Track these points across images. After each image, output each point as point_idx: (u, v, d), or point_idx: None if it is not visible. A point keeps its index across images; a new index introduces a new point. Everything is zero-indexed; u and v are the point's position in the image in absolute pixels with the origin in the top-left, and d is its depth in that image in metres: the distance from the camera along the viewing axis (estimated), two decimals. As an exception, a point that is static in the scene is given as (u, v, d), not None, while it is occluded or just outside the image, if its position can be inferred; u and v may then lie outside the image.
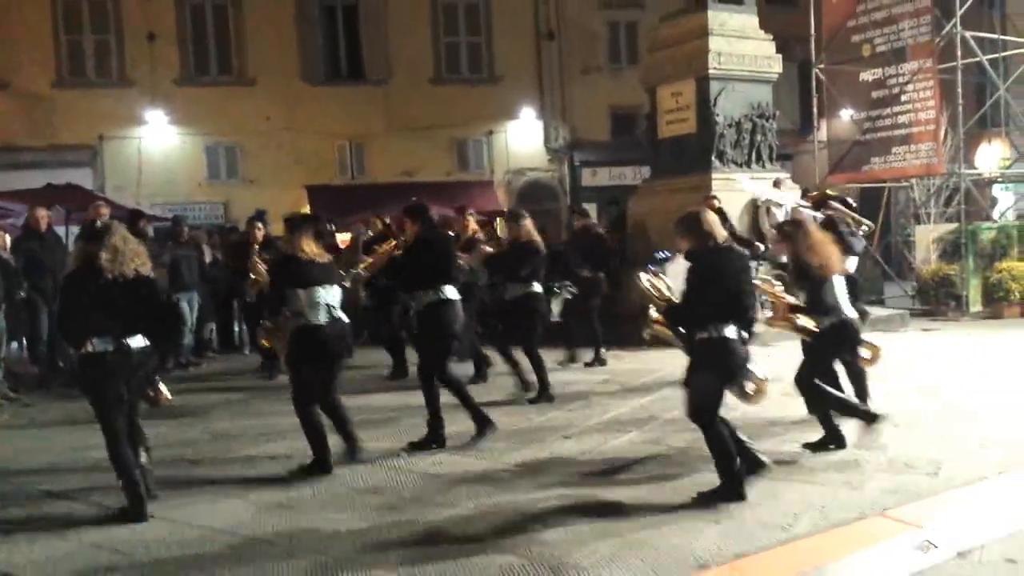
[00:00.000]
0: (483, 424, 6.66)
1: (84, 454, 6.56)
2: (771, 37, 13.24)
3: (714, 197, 11.42)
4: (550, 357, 10.01)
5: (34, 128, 20.04)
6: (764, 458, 5.20)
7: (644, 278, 5.83)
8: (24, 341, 10.85)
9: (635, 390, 8.61)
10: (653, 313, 5.74)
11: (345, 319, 6.01)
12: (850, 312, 6.16)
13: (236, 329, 13.13)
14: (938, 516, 4.71)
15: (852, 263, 7.85)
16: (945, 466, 5.60)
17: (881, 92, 15.49)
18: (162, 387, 5.39)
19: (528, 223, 8.55)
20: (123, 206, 14.41)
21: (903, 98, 15.05)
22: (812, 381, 6.01)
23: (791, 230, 6.29)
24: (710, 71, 12.51)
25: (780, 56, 13.23)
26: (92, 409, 5.16)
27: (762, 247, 11.32)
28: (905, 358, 9.84)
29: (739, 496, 4.95)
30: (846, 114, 16.96)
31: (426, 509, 5.13)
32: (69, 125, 20.23)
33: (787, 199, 11.85)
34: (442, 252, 6.92)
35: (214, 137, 21.54)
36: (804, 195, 12.17)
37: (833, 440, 6.06)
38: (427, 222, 7.00)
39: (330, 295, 5.94)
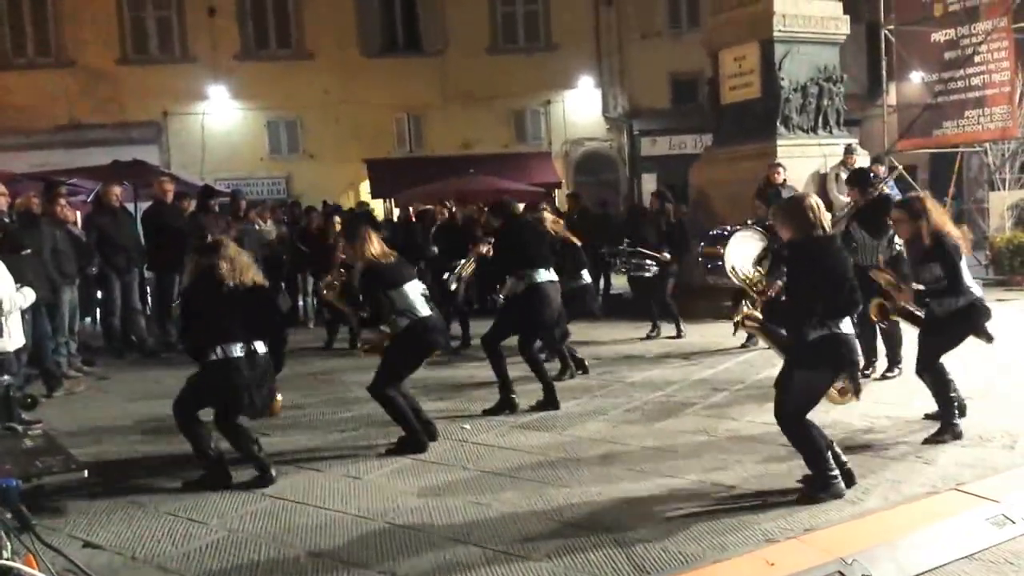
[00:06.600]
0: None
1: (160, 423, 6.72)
2: (838, -3, 12.86)
3: (779, 165, 11.18)
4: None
5: (100, 105, 20.47)
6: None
7: (730, 266, 5.39)
8: (97, 315, 11.17)
9: (695, 364, 8.55)
10: (746, 308, 4.90)
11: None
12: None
13: (300, 303, 13.30)
14: (1014, 490, 4.57)
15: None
16: (1021, 439, 5.45)
17: (953, 53, 14.94)
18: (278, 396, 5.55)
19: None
20: (189, 181, 14.65)
21: (976, 59, 14.50)
22: None
23: (921, 207, 5.73)
24: (775, 34, 12.19)
25: (847, 17, 12.83)
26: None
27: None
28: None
29: (835, 495, 4.53)
30: (916, 77, 16.39)
31: (517, 497, 5.12)
32: (134, 102, 20.63)
33: None
34: (528, 240, 7.18)
35: (275, 112, 21.78)
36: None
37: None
38: (508, 217, 7.47)
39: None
